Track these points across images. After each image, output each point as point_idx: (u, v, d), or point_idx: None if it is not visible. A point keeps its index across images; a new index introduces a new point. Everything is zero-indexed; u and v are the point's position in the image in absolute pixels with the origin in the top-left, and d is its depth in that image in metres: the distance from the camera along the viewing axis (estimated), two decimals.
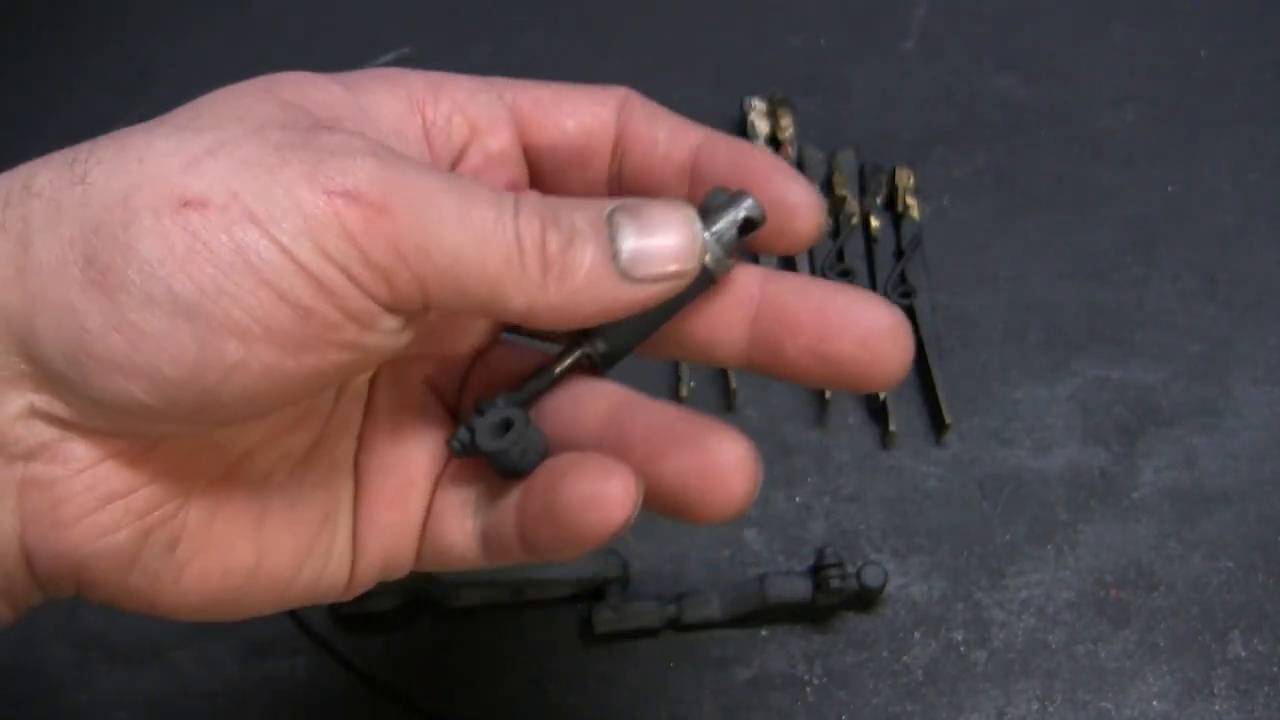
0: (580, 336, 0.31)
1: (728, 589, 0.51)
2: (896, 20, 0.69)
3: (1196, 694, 0.50)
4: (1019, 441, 0.56)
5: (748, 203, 0.30)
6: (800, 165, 0.62)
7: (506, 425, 0.30)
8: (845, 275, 0.58)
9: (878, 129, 0.65)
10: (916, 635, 0.52)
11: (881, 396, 0.56)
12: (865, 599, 0.52)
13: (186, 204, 0.25)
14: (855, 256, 0.59)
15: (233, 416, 0.27)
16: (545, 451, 0.31)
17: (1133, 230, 0.62)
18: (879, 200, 0.61)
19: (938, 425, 0.56)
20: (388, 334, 0.27)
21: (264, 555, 0.30)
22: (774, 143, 0.63)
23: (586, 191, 0.33)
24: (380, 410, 0.33)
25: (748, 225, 0.30)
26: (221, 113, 0.28)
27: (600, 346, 0.31)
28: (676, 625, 0.52)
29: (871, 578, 0.50)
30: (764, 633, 0.52)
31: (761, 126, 0.63)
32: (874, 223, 0.60)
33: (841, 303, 0.30)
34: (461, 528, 0.32)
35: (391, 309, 0.27)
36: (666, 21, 0.69)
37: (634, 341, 0.31)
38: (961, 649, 0.52)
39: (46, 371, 0.26)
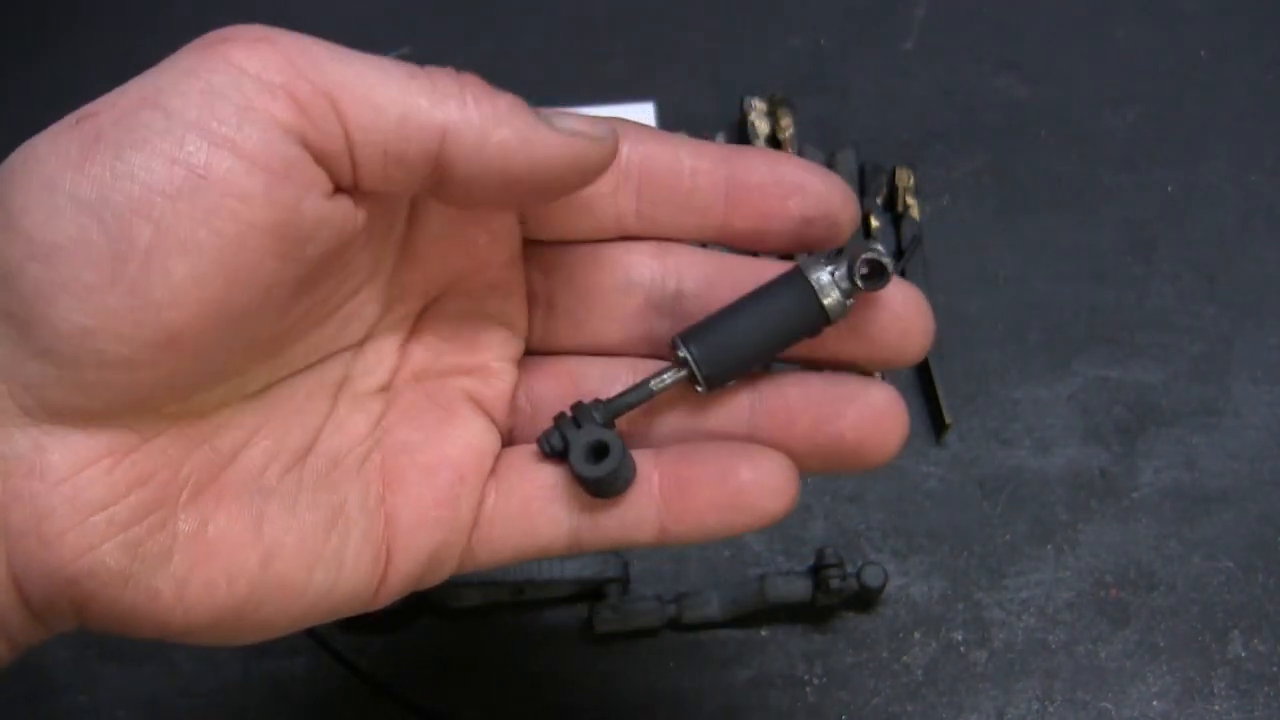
0: (681, 357, 0.31)
1: (728, 589, 0.51)
2: (896, 20, 0.69)
3: (1196, 694, 0.50)
4: (1019, 441, 0.56)
5: (868, 253, 0.30)
6: None
7: (600, 449, 0.31)
8: None
9: (878, 129, 0.65)
10: (916, 635, 0.52)
11: None
12: (865, 599, 0.52)
13: (80, 120, 0.25)
14: None
15: (179, 325, 0.25)
16: (633, 477, 0.31)
17: (1133, 230, 0.62)
18: (879, 200, 0.61)
19: (938, 425, 0.56)
20: (310, 191, 0.26)
21: (269, 561, 0.29)
22: (774, 142, 0.63)
23: (581, 212, 0.33)
24: (411, 418, 0.32)
25: (874, 272, 0.30)
26: None
27: (704, 369, 0.31)
28: (676, 625, 0.52)
29: (871, 578, 0.50)
30: (764, 633, 0.52)
31: (761, 126, 0.63)
32: (874, 223, 0.60)
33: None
34: (552, 517, 0.32)
35: (308, 142, 0.26)
36: (666, 21, 0.69)
37: (738, 363, 0.31)
38: (961, 649, 0.52)
39: None
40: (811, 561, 0.51)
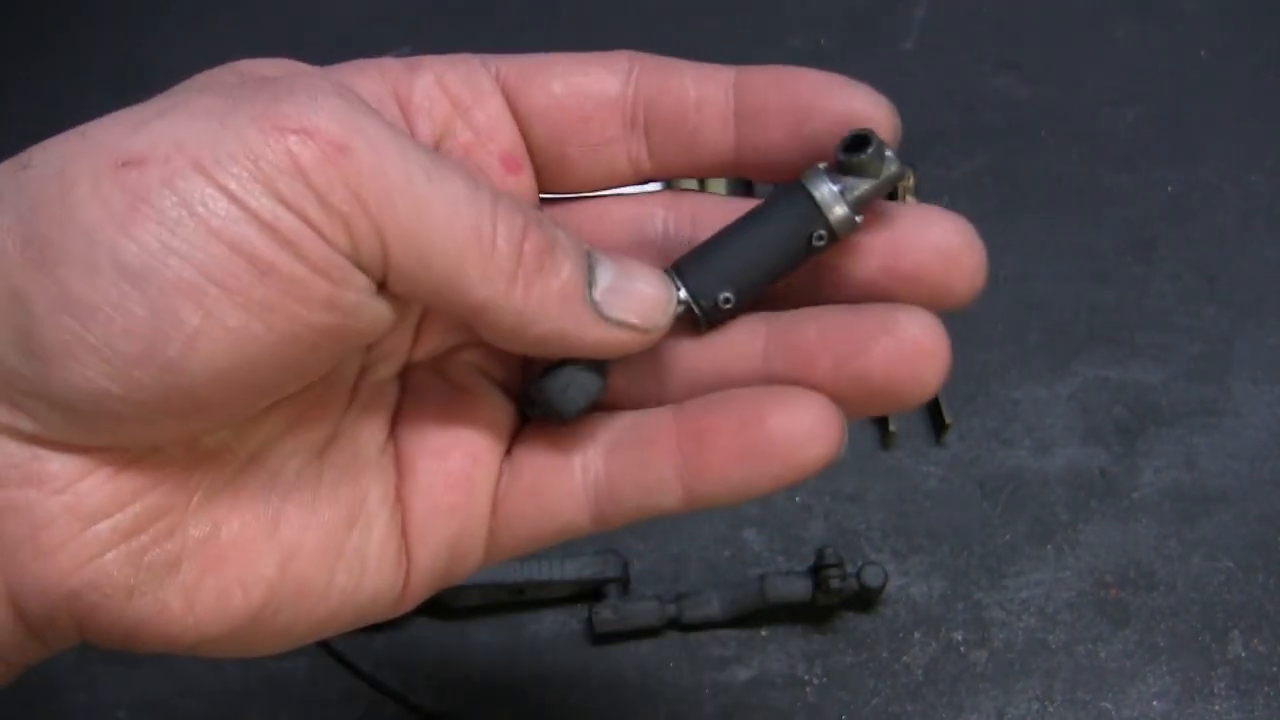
0: (690, 285, 0.28)
1: (728, 589, 0.51)
2: (896, 20, 0.69)
3: (1196, 694, 0.50)
4: (1019, 441, 0.56)
5: (894, 161, 0.28)
6: None
7: (550, 369, 0.28)
8: None
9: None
10: (916, 635, 0.52)
11: None
12: (865, 599, 0.52)
13: (125, 163, 0.23)
14: None
15: (210, 405, 0.24)
16: (596, 393, 0.28)
17: (1133, 230, 0.62)
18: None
19: (938, 425, 0.56)
20: (362, 295, 0.25)
21: (287, 563, 0.27)
22: None
23: (594, 159, 0.30)
24: (424, 401, 0.30)
25: (855, 144, 0.27)
26: (176, 89, 0.26)
27: (702, 302, 0.28)
28: (676, 625, 0.52)
29: (871, 578, 0.50)
30: (764, 633, 0.52)
31: None
32: None
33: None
34: (569, 492, 0.29)
35: (357, 263, 0.24)
36: (666, 21, 0.69)
37: (743, 299, 0.28)
38: (961, 649, 0.52)
39: (4, 374, 0.23)
40: (811, 561, 0.51)
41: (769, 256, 0.28)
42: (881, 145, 0.28)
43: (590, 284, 0.26)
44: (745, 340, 0.29)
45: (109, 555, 0.25)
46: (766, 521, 0.54)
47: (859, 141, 0.27)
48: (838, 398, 0.28)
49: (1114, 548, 0.54)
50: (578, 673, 0.51)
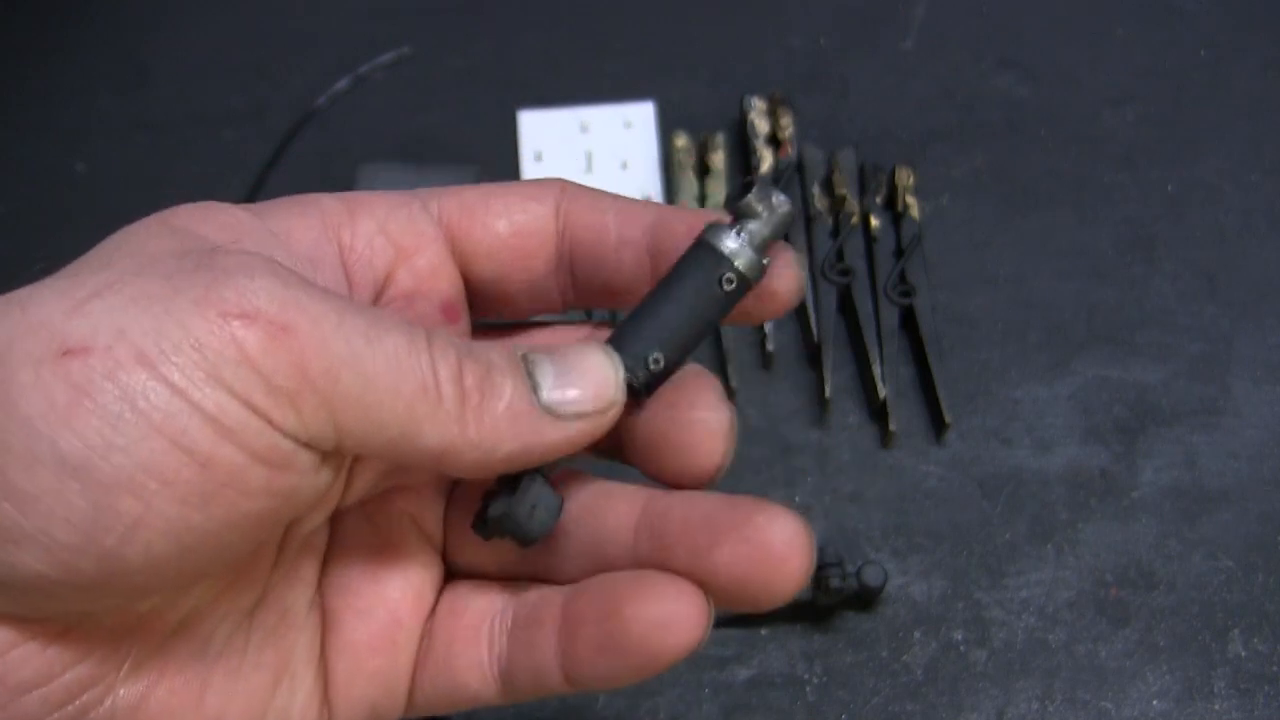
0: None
1: None
2: (896, 20, 0.69)
3: (1196, 694, 0.50)
4: (1019, 441, 0.56)
5: (780, 199, 0.28)
6: (800, 165, 0.62)
7: (512, 486, 0.28)
8: (845, 274, 0.58)
9: (878, 128, 0.65)
10: (916, 635, 0.52)
11: (881, 395, 0.56)
12: (865, 598, 0.52)
13: (67, 352, 0.23)
14: (855, 256, 0.59)
15: (146, 585, 0.24)
16: (558, 512, 0.29)
17: (1133, 230, 0.62)
18: (879, 199, 0.61)
19: (938, 425, 0.56)
20: (303, 474, 0.25)
21: None
22: (774, 142, 0.63)
23: (530, 294, 0.31)
24: (352, 550, 0.31)
25: (738, 191, 0.28)
26: (111, 253, 0.26)
27: (641, 376, 0.29)
28: None
29: (871, 577, 0.50)
30: (764, 632, 0.52)
31: (761, 126, 0.63)
32: (874, 222, 0.60)
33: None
34: (477, 664, 0.30)
35: (302, 443, 0.24)
36: (666, 21, 0.69)
37: (676, 361, 0.29)
38: (961, 648, 0.52)
39: None
40: None
41: (685, 309, 0.29)
42: (766, 187, 0.29)
43: (535, 389, 0.26)
44: (626, 512, 0.29)
45: None
46: None
47: (745, 187, 0.29)
48: (705, 582, 0.27)
49: (1114, 547, 0.54)
50: None
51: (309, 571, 0.30)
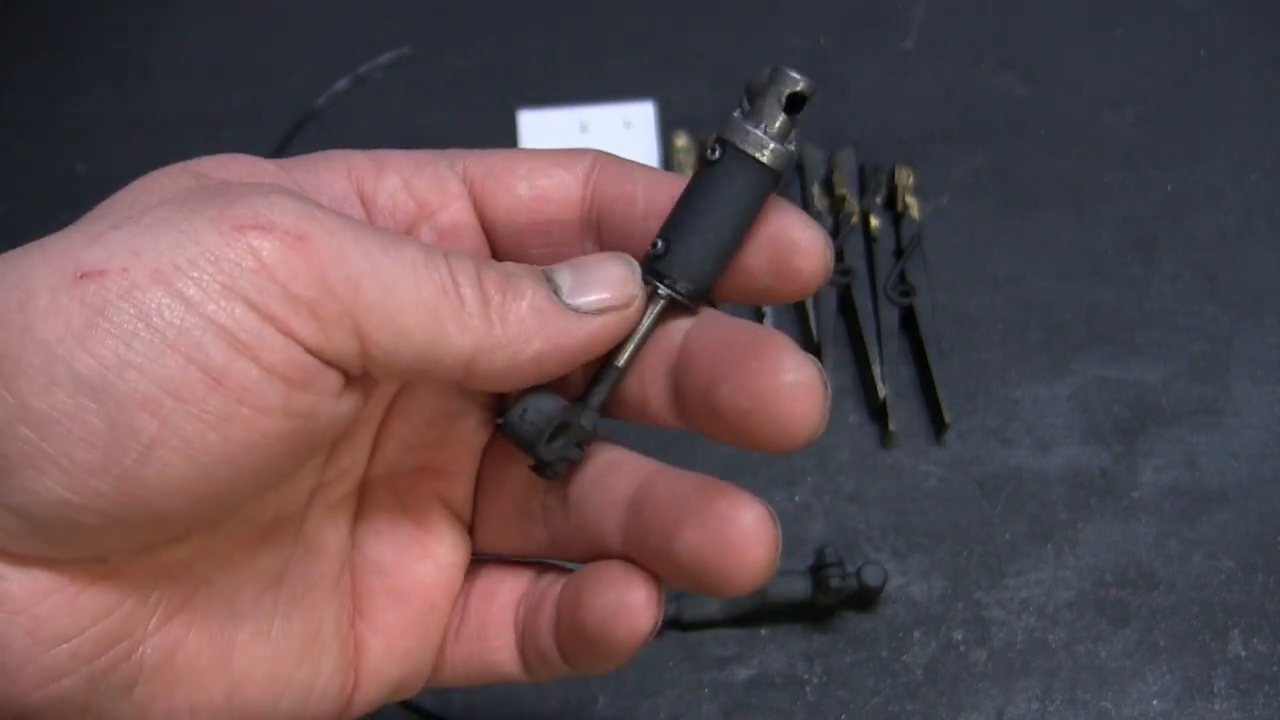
0: (650, 279, 0.28)
1: None
2: (896, 20, 0.69)
3: (1196, 694, 0.50)
4: (1019, 441, 0.56)
5: (789, 76, 0.27)
6: (800, 165, 0.62)
7: (541, 413, 0.28)
8: (845, 274, 0.58)
9: (878, 128, 0.65)
10: (916, 635, 0.52)
11: (881, 395, 0.56)
12: (865, 598, 0.52)
13: (83, 275, 0.23)
14: (855, 256, 0.59)
15: (166, 511, 0.24)
16: (588, 439, 0.29)
17: (1133, 230, 0.62)
18: (879, 199, 0.61)
19: (938, 425, 0.56)
20: (322, 394, 0.25)
21: (236, 689, 0.28)
22: None
23: (552, 258, 0.31)
24: (383, 528, 0.31)
25: (795, 102, 0.27)
26: (133, 196, 0.26)
27: (682, 285, 0.28)
28: (676, 625, 0.51)
29: (871, 577, 0.50)
30: (764, 632, 0.52)
31: None
32: (874, 222, 0.60)
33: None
34: (507, 645, 0.31)
35: (326, 360, 0.24)
36: (666, 21, 0.69)
37: (714, 265, 0.28)
38: (961, 648, 0.52)
39: None
40: (811, 561, 0.51)
41: (735, 222, 0.28)
42: (780, 72, 0.28)
43: (556, 289, 0.27)
44: (623, 489, 0.29)
45: (68, 680, 0.25)
46: None
47: (797, 102, 0.28)
48: (667, 573, 0.28)
49: (1114, 547, 0.54)
50: None
51: (334, 543, 0.30)
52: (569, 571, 0.31)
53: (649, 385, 0.29)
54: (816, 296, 0.58)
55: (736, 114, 0.28)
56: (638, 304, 0.28)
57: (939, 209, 0.62)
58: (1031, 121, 0.65)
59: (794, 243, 0.28)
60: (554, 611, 0.29)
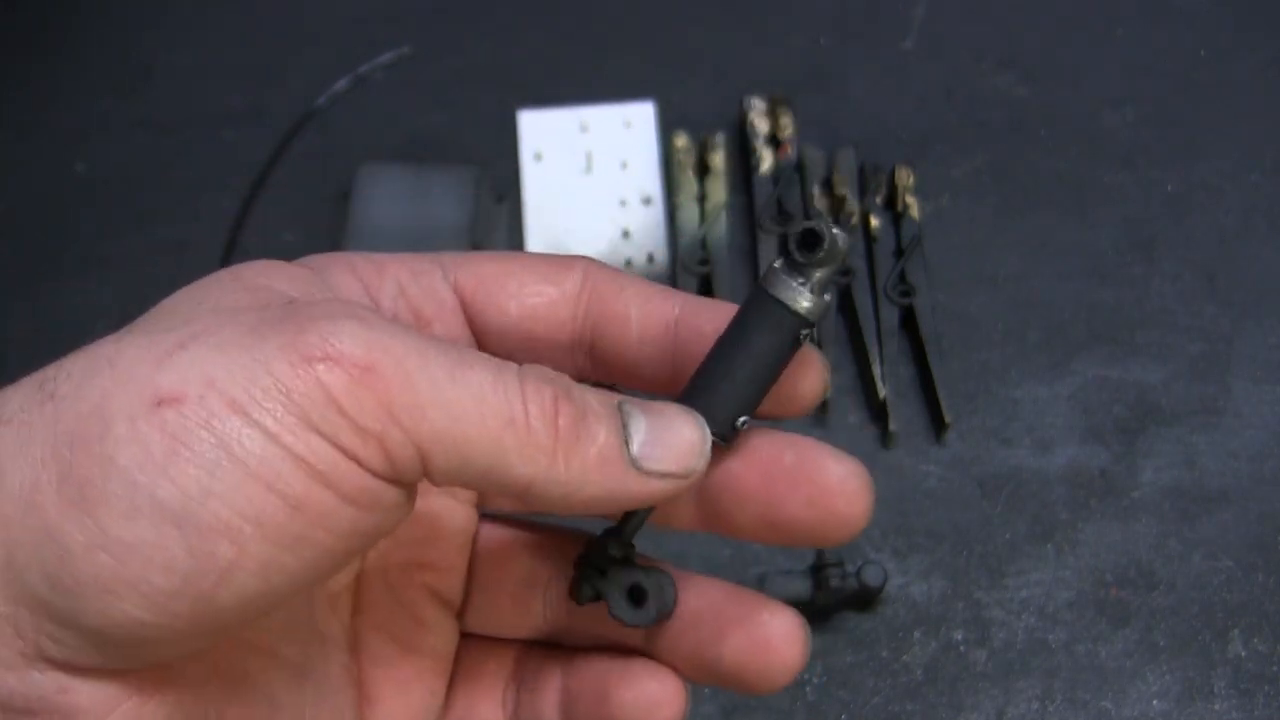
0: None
1: None
2: (896, 20, 0.69)
3: (1196, 693, 0.50)
4: (1019, 441, 0.56)
5: (800, 229, 0.28)
6: (800, 165, 0.62)
7: (636, 589, 0.30)
8: (845, 274, 0.58)
9: (878, 128, 0.65)
10: (916, 635, 0.52)
11: (881, 395, 0.56)
12: (865, 598, 0.52)
13: (161, 402, 0.23)
14: (855, 256, 0.59)
15: (232, 623, 0.25)
16: (675, 598, 0.31)
17: (1133, 230, 0.62)
18: (879, 199, 0.61)
19: (938, 425, 0.56)
20: (388, 510, 0.26)
21: None
22: (774, 142, 0.63)
23: (555, 366, 0.31)
24: (380, 619, 0.32)
25: (806, 242, 0.28)
26: (190, 308, 0.27)
27: (725, 433, 0.29)
28: None
29: (871, 577, 0.50)
30: None
31: (761, 126, 0.63)
32: (874, 222, 0.60)
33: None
34: None
35: (390, 480, 0.25)
36: (666, 21, 0.69)
37: (742, 411, 0.29)
38: (961, 648, 0.52)
39: (32, 605, 0.24)
40: (811, 561, 0.51)
41: (764, 369, 0.29)
42: (832, 236, 0.28)
43: (627, 441, 0.27)
44: None
45: None
46: None
47: (813, 239, 0.28)
48: (694, 674, 0.30)
49: (1114, 547, 0.54)
50: None
51: (338, 633, 0.31)
52: (559, 651, 0.32)
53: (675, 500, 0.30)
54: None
55: (777, 264, 0.29)
56: (696, 478, 0.28)
57: (939, 209, 0.62)
58: (1031, 121, 0.65)
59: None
60: (561, 699, 0.31)
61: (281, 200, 0.64)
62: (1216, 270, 0.60)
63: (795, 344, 0.29)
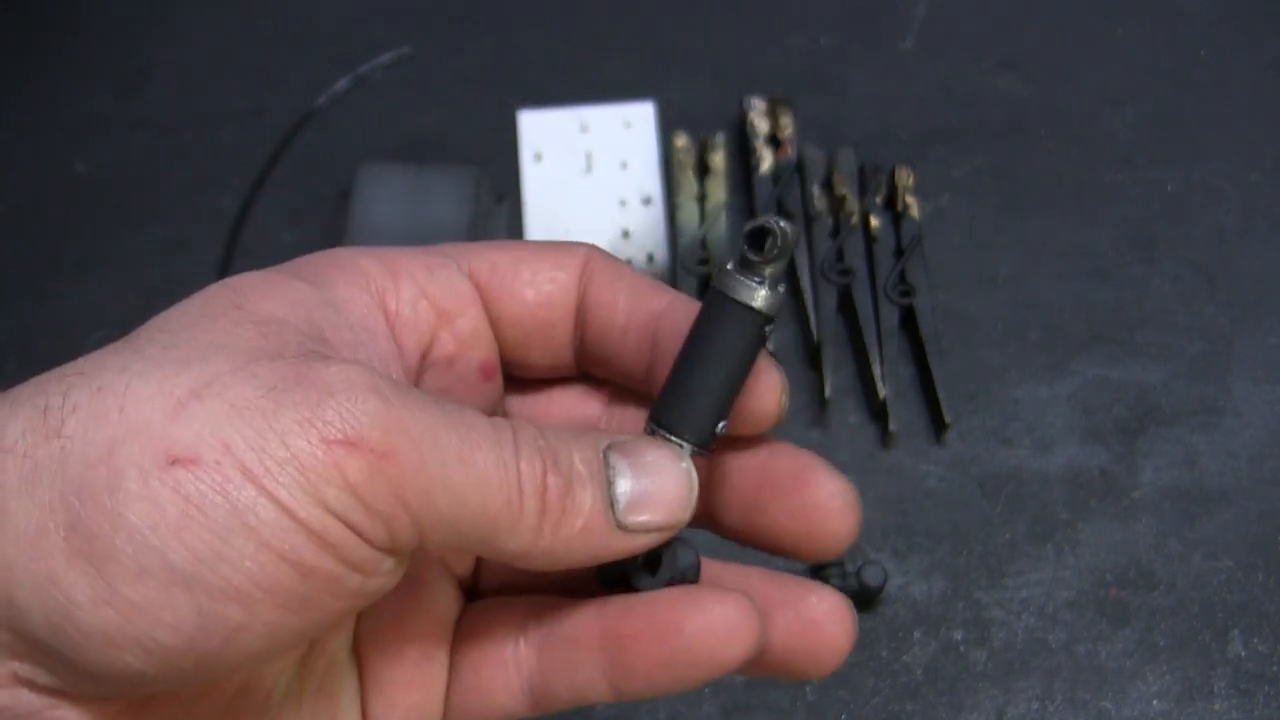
0: (678, 433, 0.29)
1: None
2: (896, 20, 0.69)
3: (1196, 694, 0.50)
4: (1019, 441, 0.56)
5: (748, 227, 0.28)
6: (800, 165, 0.62)
7: (653, 558, 0.30)
8: (845, 274, 0.58)
9: (878, 128, 0.65)
10: (916, 635, 0.52)
11: (881, 395, 0.56)
12: (865, 598, 0.52)
13: (175, 461, 0.23)
14: (855, 256, 0.59)
15: (232, 672, 0.26)
16: (697, 559, 0.30)
17: (1133, 230, 0.62)
18: (879, 199, 0.61)
19: (938, 425, 0.56)
20: (388, 574, 0.26)
21: None
22: (774, 142, 0.63)
23: (550, 359, 0.32)
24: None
25: (754, 240, 0.28)
26: (199, 339, 0.26)
27: (692, 438, 0.29)
28: None
29: (871, 577, 0.50)
30: None
31: (761, 126, 0.63)
32: (874, 222, 0.60)
33: (783, 471, 0.30)
34: (505, 684, 0.31)
35: (390, 552, 0.26)
36: (666, 21, 0.69)
37: (718, 414, 0.29)
38: (961, 648, 0.52)
39: (30, 642, 0.24)
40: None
41: (736, 370, 0.29)
42: (781, 231, 0.28)
43: (612, 503, 0.27)
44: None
45: None
46: None
47: (760, 236, 0.28)
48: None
49: (1114, 547, 0.54)
50: None
51: (347, 619, 0.31)
52: (569, 602, 0.31)
53: None
54: (816, 296, 0.58)
55: (729, 265, 0.29)
56: (681, 524, 0.28)
57: (939, 209, 0.62)
58: (1031, 121, 0.65)
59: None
60: (606, 644, 0.30)
61: (281, 200, 0.64)
62: (1216, 270, 0.60)
63: (760, 341, 0.29)
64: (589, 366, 0.33)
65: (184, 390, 0.24)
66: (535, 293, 0.31)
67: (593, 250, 0.31)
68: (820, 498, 0.29)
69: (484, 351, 0.31)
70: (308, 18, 0.70)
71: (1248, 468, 0.55)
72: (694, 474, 0.29)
